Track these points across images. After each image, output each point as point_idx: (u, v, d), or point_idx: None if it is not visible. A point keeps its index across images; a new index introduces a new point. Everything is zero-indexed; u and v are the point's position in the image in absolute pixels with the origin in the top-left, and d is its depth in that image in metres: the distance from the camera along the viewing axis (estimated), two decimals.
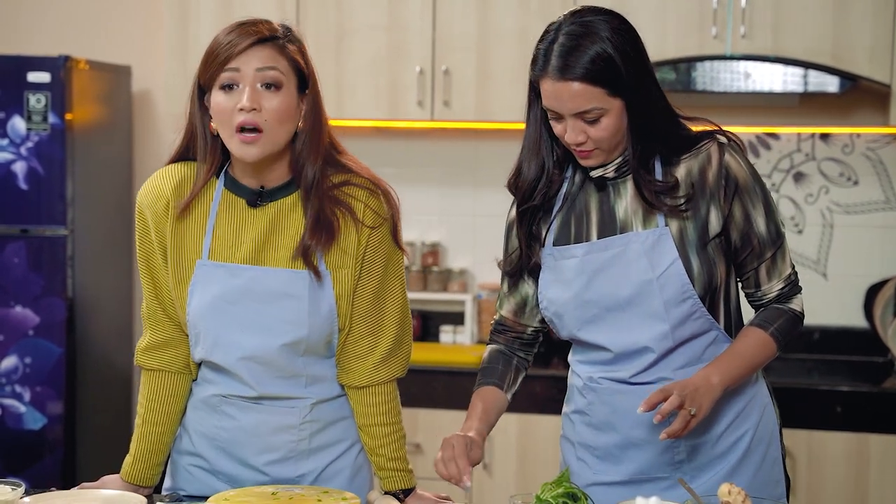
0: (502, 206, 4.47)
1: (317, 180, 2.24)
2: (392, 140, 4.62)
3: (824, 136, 4.34)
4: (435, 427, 4.05)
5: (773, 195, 4.35)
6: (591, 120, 2.18)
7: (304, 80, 2.24)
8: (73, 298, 4.25)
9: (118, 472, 2.45)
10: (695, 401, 2.12)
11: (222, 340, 2.26)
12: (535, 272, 2.36)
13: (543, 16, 4.12)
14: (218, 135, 2.23)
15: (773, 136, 4.37)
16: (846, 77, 3.96)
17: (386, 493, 2.35)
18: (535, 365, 4.12)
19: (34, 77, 4.14)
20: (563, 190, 2.34)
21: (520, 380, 2.45)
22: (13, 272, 4.20)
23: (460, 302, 4.54)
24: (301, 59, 2.24)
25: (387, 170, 4.59)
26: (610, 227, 2.28)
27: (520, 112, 4.11)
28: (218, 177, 2.29)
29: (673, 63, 4.05)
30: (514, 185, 2.35)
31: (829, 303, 4.36)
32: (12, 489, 2.18)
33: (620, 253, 2.26)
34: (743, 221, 2.25)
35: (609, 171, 2.27)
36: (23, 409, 4.20)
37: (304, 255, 2.22)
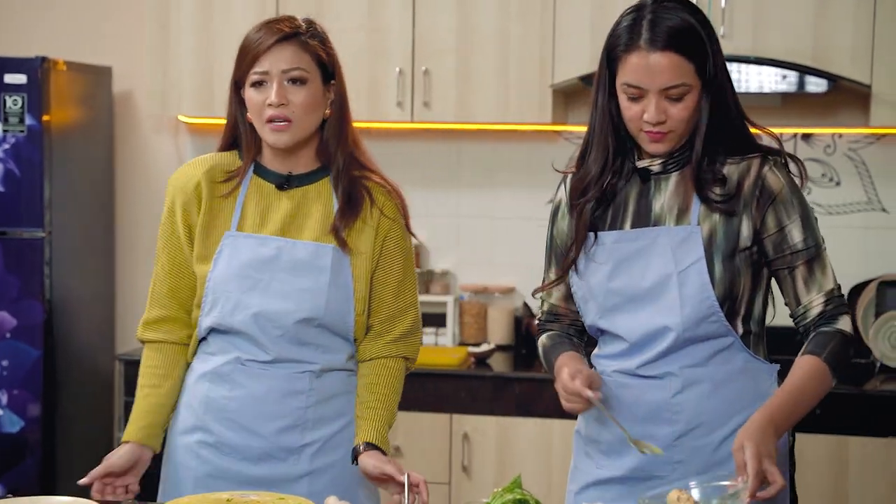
0: (484, 207, 4.52)
1: (346, 164, 2.46)
2: (373, 141, 4.57)
3: (806, 137, 4.33)
4: (415, 430, 4.03)
5: None
6: (675, 97, 2.19)
7: (329, 72, 2.44)
8: (50, 301, 4.23)
9: None
10: (772, 463, 2.06)
11: (243, 303, 2.41)
12: (580, 253, 2.36)
13: (523, 17, 4.11)
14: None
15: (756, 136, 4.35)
16: (827, 77, 3.94)
17: (355, 447, 2.42)
18: (515, 367, 4.16)
19: (10, 79, 4.11)
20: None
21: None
22: None
23: (442, 303, 4.52)
24: (323, 52, 2.43)
25: None
26: (644, 219, 2.30)
27: (499, 113, 4.14)
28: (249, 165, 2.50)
29: None
30: (576, 175, 2.35)
31: None
32: None
33: (649, 245, 2.27)
34: (776, 232, 2.25)
35: (655, 164, 2.29)
36: (0, 412, 4.18)
37: (336, 231, 2.42)
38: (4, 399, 4.18)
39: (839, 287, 2.29)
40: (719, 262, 2.25)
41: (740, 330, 2.29)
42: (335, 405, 2.47)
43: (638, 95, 2.21)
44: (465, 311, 4.50)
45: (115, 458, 2.40)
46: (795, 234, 2.25)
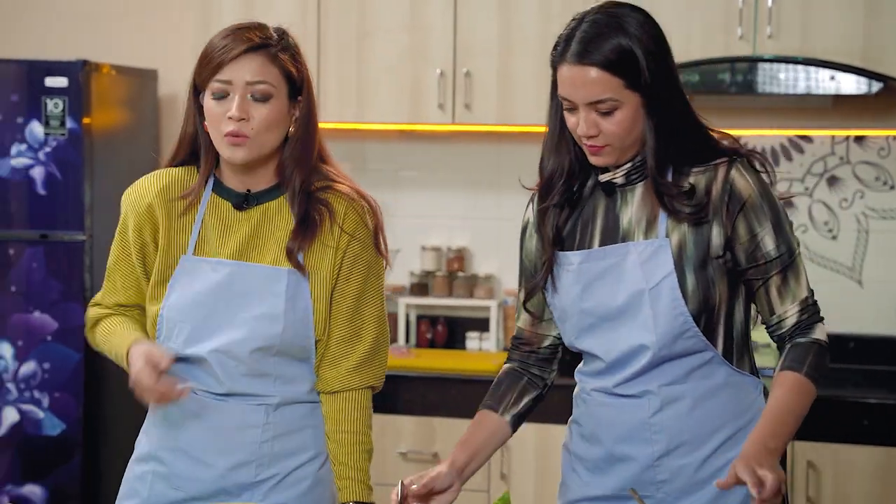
0: None
1: (304, 184, 2.29)
2: (414, 143, 4.56)
3: (859, 139, 4.22)
4: (454, 436, 3.97)
5: (806, 200, 4.26)
6: (604, 112, 2.12)
7: (297, 87, 2.28)
8: None
9: None
10: (763, 468, 1.98)
11: (196, 335, 2.28)
12: (549, 272, 2.28)
13: (565, 18, 3.99)
14: None
15: (806, 138, 4.25)
16: (877, 78, 3.83)
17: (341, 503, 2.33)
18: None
19: (52, 82, 4.13)
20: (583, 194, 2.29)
21: (525, 399, 2.36)
22: (32, 277, 4.20)
23: (486, 308, 4.47)
24: (293, 66, 2.27)
25: (410, 173, 4.55)
26: (612, 235, 2.22)
27: (542, 115, 4.06)
28: (206, 182, 2.34)
29: (698, 65, 3.93)
30: (539, 182, 2.30)
31: (865, 310, 4.22)
32: None
33: (618, 262, 2.20)
34: (748, 240, 2.17)
35: (618, 176, 2.21)
36: (41, 414, 4.20)
37: (290, 254, 2.26)
38: (46, 402, 4.20)
39: (812, 293, 2.21)
40: (691, 273, 2.16)
41: (720, 344, 2.21)
42: (296, 440, 2.33)
43: (571, 107, 2.16)
44: (509, 316, 4.44)
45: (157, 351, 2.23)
46: (768, 243, 2.16)
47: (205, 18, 4.33)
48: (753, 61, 3.90)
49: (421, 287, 4.51)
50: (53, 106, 4.13)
